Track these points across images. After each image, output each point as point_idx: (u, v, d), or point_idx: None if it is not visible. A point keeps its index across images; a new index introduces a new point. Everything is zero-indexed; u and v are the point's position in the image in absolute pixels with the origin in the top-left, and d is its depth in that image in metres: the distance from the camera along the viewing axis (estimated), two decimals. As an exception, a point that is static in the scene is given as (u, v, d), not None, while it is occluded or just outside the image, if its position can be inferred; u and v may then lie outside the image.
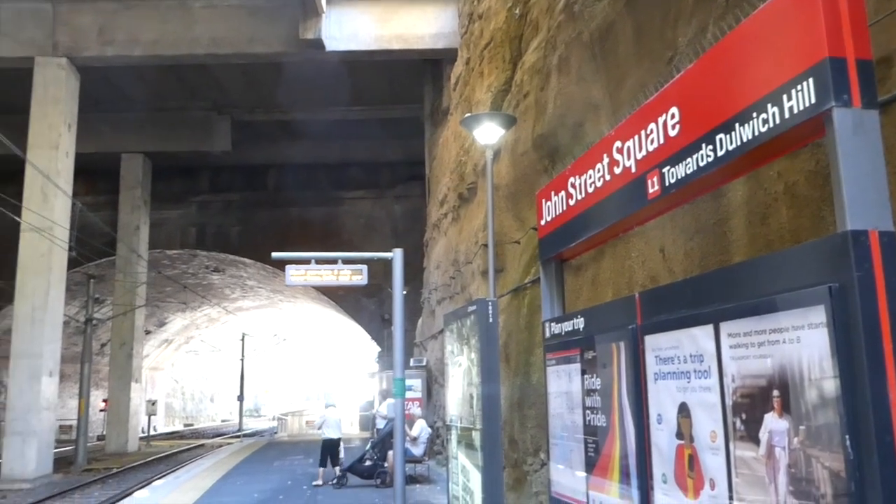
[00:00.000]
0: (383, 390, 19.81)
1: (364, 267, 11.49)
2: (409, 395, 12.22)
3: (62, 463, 22.64)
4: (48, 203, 20.54)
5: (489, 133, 9.66)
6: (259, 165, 33.11)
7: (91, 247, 25.08)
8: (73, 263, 22.65)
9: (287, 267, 11.31)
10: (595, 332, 4.09)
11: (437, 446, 16.85)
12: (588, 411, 4.10)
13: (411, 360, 19.80)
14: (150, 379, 46.21)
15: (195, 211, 33.50)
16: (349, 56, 22.09)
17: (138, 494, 13.39)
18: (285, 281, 11.46)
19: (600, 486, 3.91)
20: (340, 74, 25.04)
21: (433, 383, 18.75)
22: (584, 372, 4.18)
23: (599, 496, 3.92)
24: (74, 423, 30.53)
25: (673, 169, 3.35)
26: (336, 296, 33.38)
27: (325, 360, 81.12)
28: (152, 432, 38.50)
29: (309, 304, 47.56)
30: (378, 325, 32.11)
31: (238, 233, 33.25)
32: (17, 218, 19.54)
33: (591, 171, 4.19)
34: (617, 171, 3.87)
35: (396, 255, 11.51)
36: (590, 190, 4.22)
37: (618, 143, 3.87)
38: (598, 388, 3.99)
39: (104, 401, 32.97)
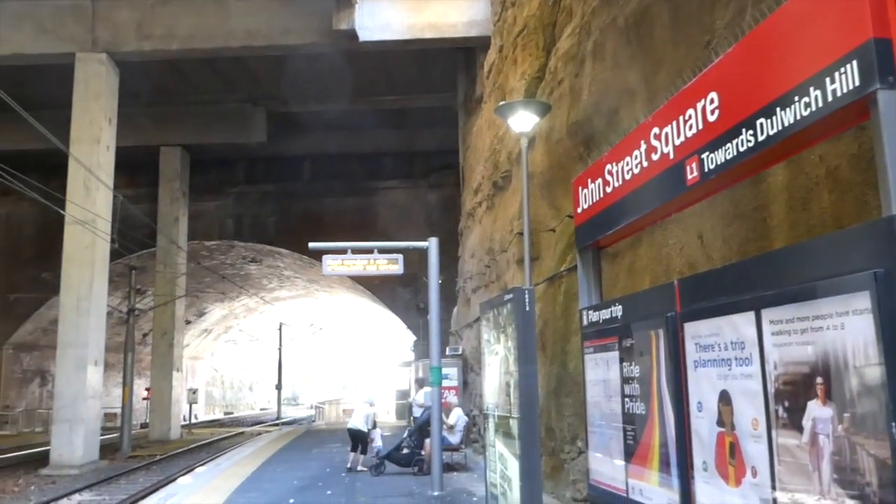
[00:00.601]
0: (419, 379, 19.89)
1: (399, 256, 11.58)
2: (445, 383, 12.28)
3: (108, 450, 23.20)
4: (90, 196, 20.97)
5: (524, 121, 9.62)
6: (294, 156, 33.38)
7: (132, 238, 25.57)
8: (115, 255, 23.12)
9: (324, 257, 11.44)
10: (633, 319, 4.07)
11: (473, 434, 16.91)
12: (627, 399, 4.09)
13: (447, 349, 19.87)
14: (191, 368, 47.05)
15: (232, 202, 33.93)
16: (382, 46, 22.11)
17: (181, 480, 13.68)
18: (322, 271, 11.58)
19: (640, 475, 3.91)
20: (374, 64, 25.11)
21: (469, 372, 18.80)
22: (622, 360, 4.17)
23: (639, 484, 3.92)
24: (119, 411, 31.25)
25: (712, 155, 3.31)
26: (371, 285, 33.59)
27: (361, 349, 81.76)
28: (193, 420, 39.28)
29: (345, 293, 47.94)
30: (413, 314, 32.26)
31: (274, 223, 33.61)
32: (61, 211, 19.99)
33: (628, 158, 4.17)
34: (655, 157, 3.84)
35: (432, 244, 11.57)
36: (627, 177, 4.20)
37: (655, 130, 3.83)
38: (637, 375, 3.97)
39: (147, 389, 33.67)
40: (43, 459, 20.70)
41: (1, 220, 34.24)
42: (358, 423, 13.81)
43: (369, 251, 11.58)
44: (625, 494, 4.08)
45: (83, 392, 20.46)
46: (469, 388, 18.62)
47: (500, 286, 14.55)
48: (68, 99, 21.76)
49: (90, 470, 19.77)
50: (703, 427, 3.31)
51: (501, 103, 9.91)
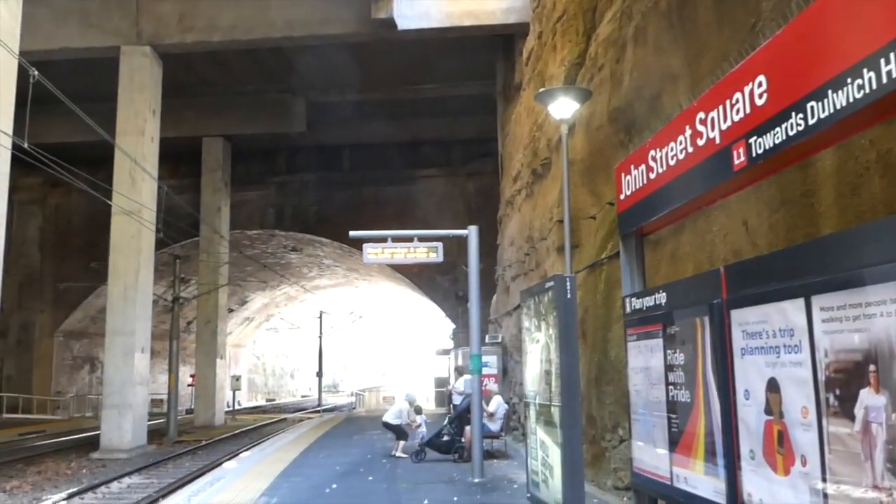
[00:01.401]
0: (458, 366, 19.96)
1: (439, 244, 11.60)
2: (485, 371, 12.30)
3: (155, 435, 23.75)
4: (136, 187, 21.39)
5: (564, 108, 9.55)
6: (334, 146, 33.60)
7: (176, 228, 26.04)
8: (159, 245, 23.58)
9: (364, 245, 11.52)
10: (678, 306, 4.03)
11: (513, 422, 16.93)
12: (671, 387, 4.07)
13: (487, 337, 19.88)
14: (234, 355, 47.88)
15: (273, 192, 34.31)
16: (421, 34, 22.11)
17: (227, 465, 13.96)
18: (363, 259, 11.67)
19: (684, 463, 3.88)
20: (412, 53, 25.11)
21: (509, 360, 18.80)
22: (666, 347, 4.14)
23: (684, 472, 3.89)
24: (164, 397, 31.94)
25: (760, 139, 3.26)
26: (410, 273, 33.73)
27: (400, 337, 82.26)
28: (237, 407, 39.98)
29: (384, 282, 48.25)
30: (452, 302, 32.33)
31: (315, 212, 33.91)
32: (108, 201, 20.44)
33: (672, 144, 4.12)
34: (700, 142, 3.79)
35: (472, 232, 11.57)
36: (671, 163, 4.15)
37: (701, 114, 3.78)
38: (681, 363, 3.94)
39: (192, 376, 34.35)
40: (93, 444, 21.27)
41: (51, 211, 35.15)
42: (389, 416, 14.06)
43: (409, 239, 11.62)
44: (669, 482, 4.06)
45: (131, 378, 20.95)
46: (509, 376, 18.63)
47: (539, 274, 14.51)
48: (113, 92, 22.19)
49: (139, 454, 20.27)
50: (751, 415, 3.27)
51: (541, 90, 9.85)
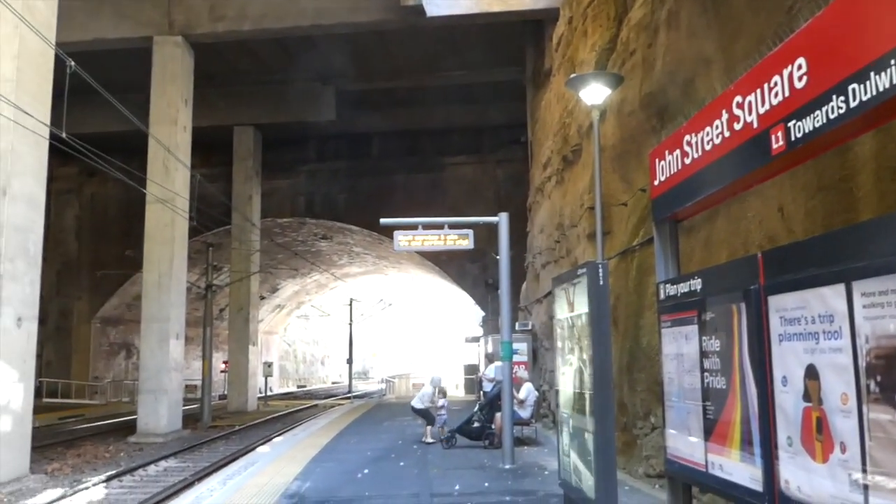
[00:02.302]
0: (488, 353, 19.99)
1: (470, 231, 11.60)
2: (515, 358, 12.31)
3: (189, 420, 24.15)
4: (169, 176, 21.67)
5: (595, 93, 9.47)
6: (363, 133, 33.70)
7: (209, 216, 26.36)
8: (192, 233, 23.88)
9: (395, 232, 11.56)
10: (713, 292, 4.00)
11: (542, 409, 16.93)
12: (706, 374, 4.04)
13: (517, 324, 19.86)
14: (265, 342, 48.41)
15: (303, 180, 34.54)
16: (449, 21, 22.01)
17: (260, 450, 14.17)
18: (394, 246, 11.72)
19: (720, 450, 3.86)
20: (441, 39, 25.04)
21: (539, 347, 18.78)
22: (701, 334, 4.11)
23: (719, 459, 3.87)
24: (198, 383, 32.46)
25: (799, 123, 3.21)
26: (440, 261, 33.79)
27: (429, 324, 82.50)
28: (268, 393, 40.43)
29: (414, 269, 48.37)
30: (482, 290, 32.35)
31: (344, 200, 34.09)
32: (142, 189, 20.74)
33: (708, 129, 4.07)
34: (737, 126, 3.74)
35: (502, 219, 11.55)
36: (707, 147, 4.10)
37: (738, 98, 3.73)
38: (717, 350, 3.91)
39: (224, 362, 34.83)
40: (130, 428, 21.72)
41: (87, 200, 35.77)
42: (416, 401, 14.19)
43: (440, 226, 11.64)
44: (704, 469, 4.04)
45: (166, 364, 21.32)
46: (539, 363, 18.62)
47: (570, 261, 14.44)
48: (145, 82, 22.47)
49: (174, 438, 20.65)
50: (789, 402, 3.24)
51: (573, 76, 9.77)
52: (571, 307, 6.93)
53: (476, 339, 35.13)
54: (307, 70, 28.50)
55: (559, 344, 7.46)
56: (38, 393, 25.53)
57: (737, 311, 3.68)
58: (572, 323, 6.90)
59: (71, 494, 12.15)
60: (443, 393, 14.37)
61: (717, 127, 3.96)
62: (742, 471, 3.62)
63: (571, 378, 6.93)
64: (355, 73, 28.70)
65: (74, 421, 26.28)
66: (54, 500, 11.65)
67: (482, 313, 34.47)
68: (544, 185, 18.31)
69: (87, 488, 12.73)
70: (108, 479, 13.65)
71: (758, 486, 3.49)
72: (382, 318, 73.85)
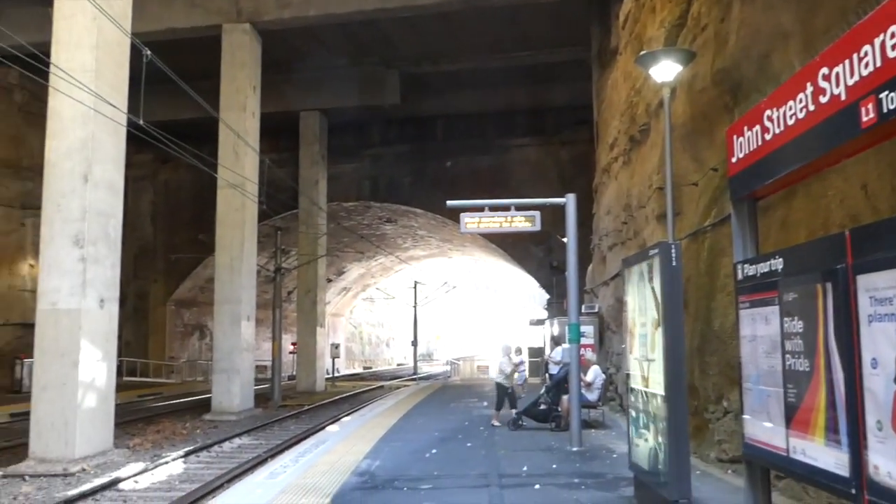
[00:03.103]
0: (555, 336, 19.88)
1: (536, 213, 11.53)
2: (582, 341, 12.20)
3: (260, 399, 24.82)
4: (239, 161, 22.18)
5: (666, 70, 9.26)
6: (427, 117, 33.77)
7: (277, 200, 26.90)
8: (261, 217, 24.42)
9: (462, 215, 11.58)
10: (796, 272, 3.87)
11: (609, 392, 16.78)
12: (787, 356, 3.92)
13: (583, 307, 19.68)
14: (332, 324, 49.28)
15: (368, 164, 34.87)
16: (513, 0, 21.81)
17: (330, 429, 14.46)
18: (460, 229, 11.74)
19: (803, 434, 3.75)
20: (505, 20, 24.82)
21: (605, 330, 18.59)
22: (782, 315, 3.99)
23: (801, 444, 3.76)
24: (268, 363, 33.30)
25: (892, 94, 3.06)
26: (505, 243, 33.71)
27: (494, 307, 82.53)
28: (335, 374, 41.24)
29: (478, 252, 48.40)
30: (547, 273, 32.13)
31: (409, 184, 34.28)
32: (214, 174, 21.29)
33: (791, 103, 3.92)
34: (823, 99, 3.60)
35: (569, 200, 11.44)
36: (790, 122, 3.96)
37: (824, 70, 3.58)
38: (800, 331, 3.79)
39: (293, 344, 35.62)
40: (205, 406, 22.47)
41: (161, 186, 36.94)
42: (496, 377, 14.20)
43: (506, 208, 11.59)
44: (785, 454, 3.94)
45: (238, 345, 21.94)
46: (605, 346, 18.43)
47: (637, 243, 14.21)
48: (213, 70, 23.00)
49: (247, 416, 21.27)
50: (879, 385, 3.12)
51: (642, 53, 9.57)
52: (642, 289, 6.83)
53: (541, 322, 34.98)
54: (371, 54, 28.68)
55: (628, 326, 7.36)
56: (118, 372, 26.63)
57: (822, 291, 3.56)
58: (642, 305, 6.80)
59: (152, 468, 12.66)
60: (518, 351, 14.41)
61: (800, 101, 3.82)
62: (827, 456, 3.52)
63: (641, 361, 6.83)
64: (419, 57, 28.73)
65: (153, 399, 27.36)
66: (137, 473, 12.15)
67: (547, 296, 34.27)
68: (611, 165, 18.03)
69: (166, 462, 13.24)
70: (186, 455, 14.16)
71: (844, 472, 3.38)
72: (447, 301, 74.24)
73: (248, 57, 23.06)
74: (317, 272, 32.53)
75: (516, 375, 13.90)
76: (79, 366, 13.02)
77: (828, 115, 3.57)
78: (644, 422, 6.71)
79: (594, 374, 13.15)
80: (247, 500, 7.38)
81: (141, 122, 12.91)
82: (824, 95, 3.59)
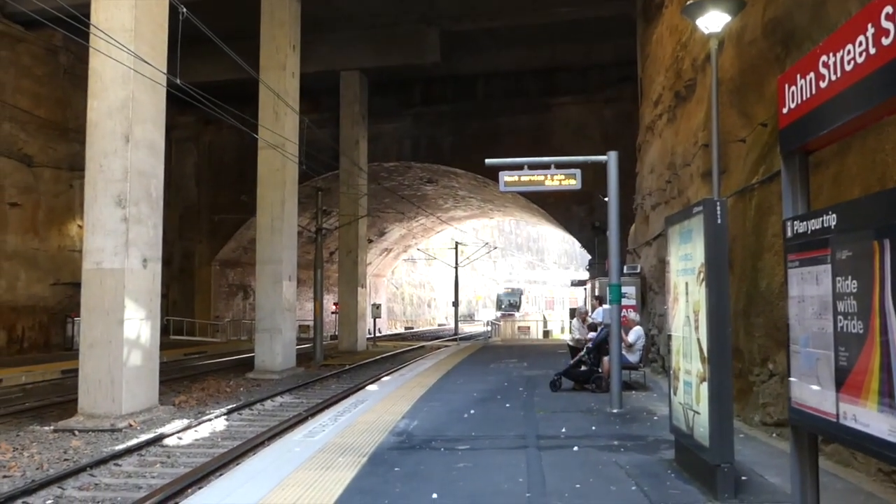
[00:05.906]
0: (597, 297, 19.63)
1: (577, 171, 11.26)
2: (623, 302, 11.96)
3: (302, 358, 25.19)
4: (279, 121, 22.18)
5: (714, 21, 8.87)
6: (468, 75, 33.30)
7: (318, 161, 26.91)
8: (302, 178, 24.47)
9: (501, 173, 11.37)
10: (851, 229, 3.63)
11: (651, 354, 16.57)
12: (840, 317, 3.71)
13: (625, 267, 19.37)
14: (374, 285, 49.65)
15: (409, 123, 34.61)
16: (556, -47, 21.21)
17: (369, 388, 14.56)
18: (499, 187, 11.53)
19: (854, 399, 3.55)
20: (547, -26, 24.18)
21: (648, 291, 18.30)
22: (835, 274, 3.76)
23: (853, 409, 3.57)
24: (310, 323, 33.72)
25: (965, 32, 2.79)
26: (546, 203, 33.35)
27: (535, 267, 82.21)
28: (377, 334, 41.60)
29: (519, 212, 48.04)
30: (588, 233, 31.74)
31: (449, 143, 33.99)
32: (254, 135, 21.34)
33: (849, 46, 3.64)
34: (885, 41, 3.31)
35: (611, 158, 11.15)
36: (847, 68, 3.68)
37: (888, 9, 3.30)
38: (854, 291, 3.57)
39: (335, 304, 36.00)
40: (248, 365, 22.88)
41: (205, 147, 37.28)
42: (568, 338, 14.34)
43: (546, 166, 11.34)
44: (835, 419, 3.74)
45: (280, 304, 22.19)
46: (648, 307, 18.16)
47: (681, 202, 13.86)
48: (253, 30, 22.88)
49: (289, 375, 21.60)
50: (939, 348, 2.92)
51: (689, 2, 9.16)
52: (686, 247, 6.60)
53: (582, 283, 34.70)
54: (411, 12, 28.26)
55: (671, 286, 7.15)
56: (164, 330, 27.29)
57: (879, 248, 3.33)
58: (686, 265, 6.58)
59: (196, 425, 12.92)
60: (599, 300, 14.56)
61: (860, 44, 3.53)
62: (880, 422, 3.32)
63: (684, 322, 6.64)
64: (459, 13, 28.21)
65: (198, 357, 27.98)
66: (181, 430, 12.42)
67: (588, 256, 33.92)
68: (655, 123, 17.55)
69: (210, 420, 13.51)
70: (229, 412, 14.43)
71: (897, 439, 3.19)
72: (488, 262, 74.13)
73: (287, 16, 22.90)
74: (358, 233, 32.65)
75: (601, 328, 13.15)
76: (123, 324, 13.28)
77: (890, 58, 3.29)
78: (685, 384, 6.53)
79: (636, 335, 12.96)
80: (285, 457, 7.44)
81: (178, 80, 12.89)
82: (887, 37, 3.31)
